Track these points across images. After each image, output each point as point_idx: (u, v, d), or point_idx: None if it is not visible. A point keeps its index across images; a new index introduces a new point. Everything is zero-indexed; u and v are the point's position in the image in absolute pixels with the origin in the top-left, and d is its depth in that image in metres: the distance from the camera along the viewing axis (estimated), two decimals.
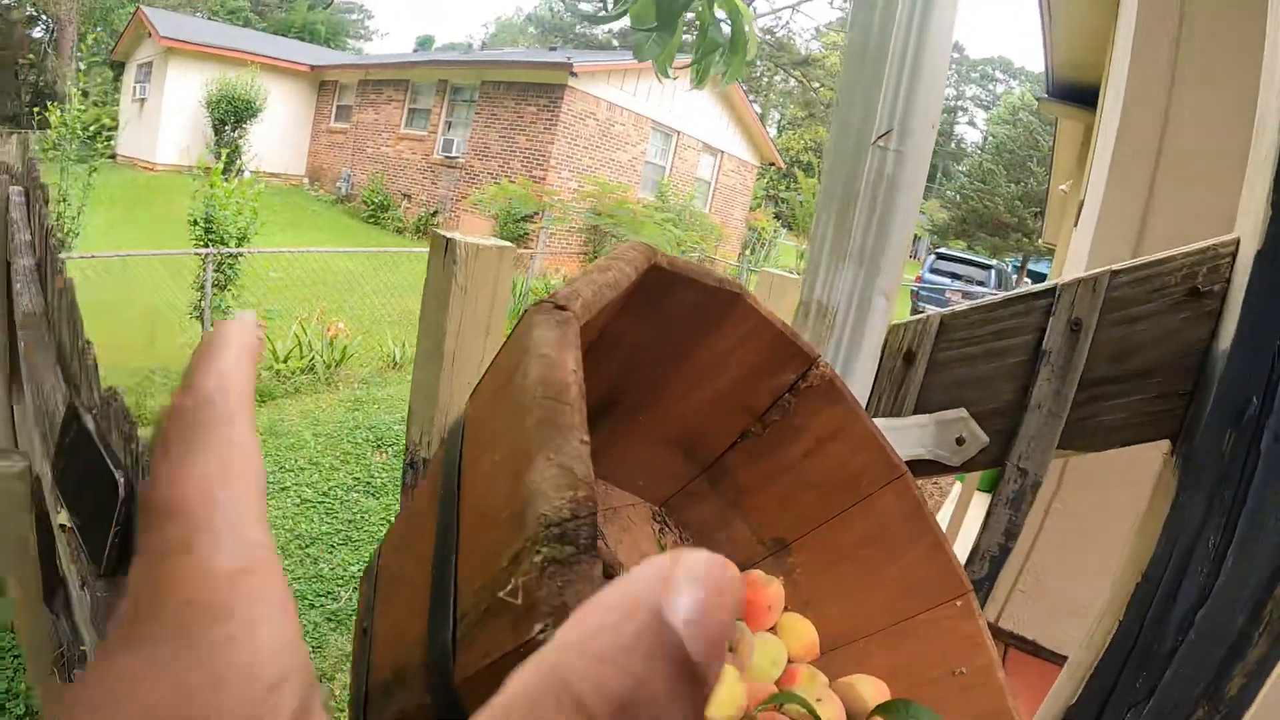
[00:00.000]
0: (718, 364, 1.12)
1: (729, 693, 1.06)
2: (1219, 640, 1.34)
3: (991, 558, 1.58)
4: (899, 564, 1.25)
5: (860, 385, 1.55)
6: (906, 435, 1.51)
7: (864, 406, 1.52)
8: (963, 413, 1.54)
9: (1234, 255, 1.43)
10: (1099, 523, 3.33)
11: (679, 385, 1.14)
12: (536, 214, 20.02)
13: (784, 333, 1.12)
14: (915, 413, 1.55)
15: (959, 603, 1.23)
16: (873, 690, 1.17)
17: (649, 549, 1.22)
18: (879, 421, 1.44)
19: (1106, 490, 3.32)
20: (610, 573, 1.12)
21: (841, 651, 1.29)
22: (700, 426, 1.21)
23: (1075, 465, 3.41)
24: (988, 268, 31.46)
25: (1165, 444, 1.51)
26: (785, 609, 1.29)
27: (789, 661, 1.24)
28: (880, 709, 1.11)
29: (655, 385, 1.12)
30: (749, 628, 1.21)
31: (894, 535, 1.25)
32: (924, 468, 1.58)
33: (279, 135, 27.02)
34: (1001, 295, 1.59)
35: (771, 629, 1.26)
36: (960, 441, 1.54)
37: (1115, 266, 1.51)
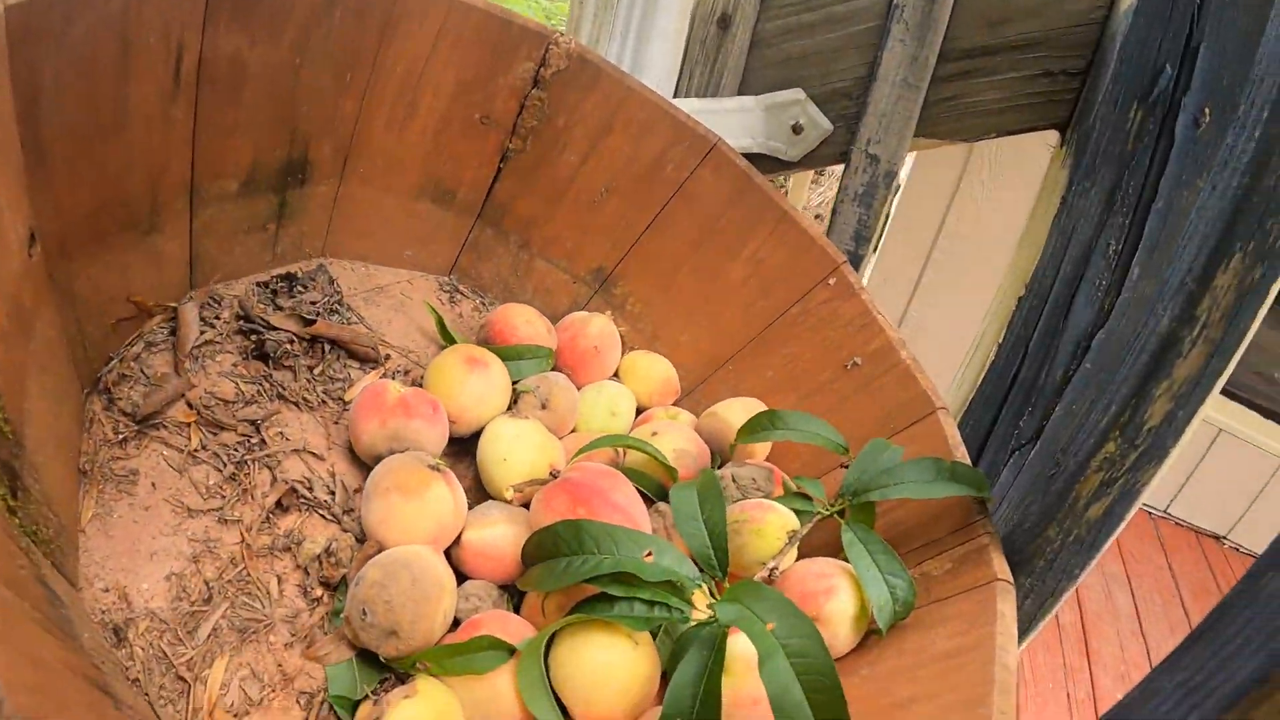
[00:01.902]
0: (418, 75, 0.88)
1: (528, 455, 0.85)
2: (1130, 362, 1.05)
3: None
4: (744, 256, 1.03)
5: (665, 61, 1.25)
6: (727, 121, 1.23)
7: (673, 89, 1.26)
8: (799, 94, 1.26)
9: None
10: (990, 270, 3.00)
11: (383, 115, 0.89)
12: None
13: (491, 13, 0.87)
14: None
15: (832, 280, 1.00)
16: (744, 415, 0.95)
17: (429, 325, 0.99)
18: (689, 103, 1.19)
19: (1001, 229, 2.99)
20: (373, 356, 0.90)
21: (711, 382, 1.07)
22: (444, 161, 0.96)
23: (960, 203, 3.08)
24: None
25: (1054, 137, 1.23)
26: (630, 349, 1.07)
27: (644, 408, 1.03)
28: (742, 430, 0.89)
29: (347, 124, 0.88)
30: (575, 378, 0.99)
31: (728, 223, 1.02)
32: (754, 164, 1.29)
33: None
34: None
35: (616, 375, 1.05)
36: (797, 129, 1.27)
37: None
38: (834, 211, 1.28)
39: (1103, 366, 1.03)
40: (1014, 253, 1.24)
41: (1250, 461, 3.68)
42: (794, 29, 1.28)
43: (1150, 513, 3.89)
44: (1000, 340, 1.19)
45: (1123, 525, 1.01)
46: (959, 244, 3.12)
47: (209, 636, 0.68)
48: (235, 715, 0.65)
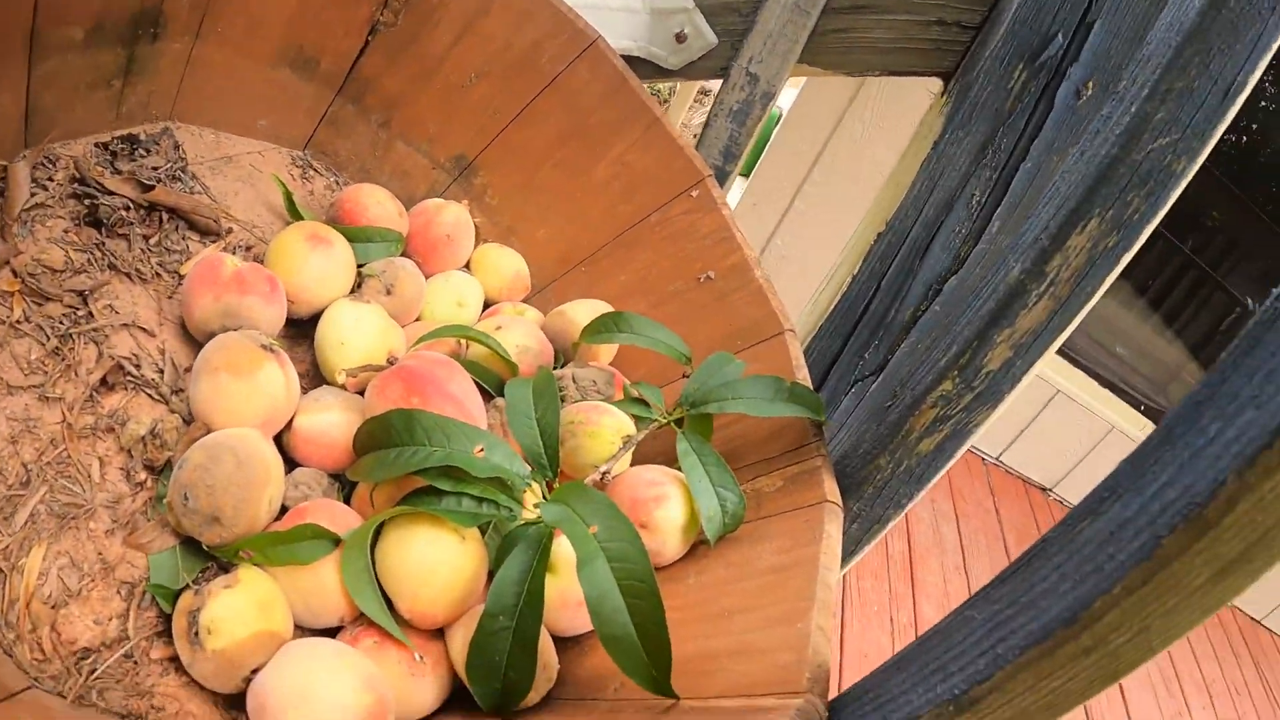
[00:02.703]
0: None
1: (367, 340, 0.82)
2: (977, 307, 1.07)
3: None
4: (610, 158, 1.01)
5: None
6: (611, 20, 1.19)
7: None
8: (688, 3, 1.22)
9: None
10: (860, 207, 2.99)
11: None
12: None
13: None
14: None
15: (695, 193, 0.99)
16: (591, 316, 0.94)
17: (277, 200, 0.95)
18: None
19: (876, 168, 2.99)
20: (214, 228, 0.86)
21: (564, 282, 1.06)
22: (309, 27, 0.91)
23: (839, 138, 3.08)
24: None
25: (936, 85, 1.23)
26: (484, 241, 1.05)
27: (492, 302, 1.01)
28: (587, 330, 0.88)
29: None
30: (425, 266, 0.96)
31: (598, 123, 1.00)
32: (632, 68, 1.26)
33: None
34: None
35: (467, 267, 1.02)
36: (681, 38, 1.23)
37: None
38: (706, 125, 1.26)
39: (950, 310, 1.05)
40: (879, 189, 1.25)
41: (1082, 423, 3.90)
42: None
43: (984, 459, 4.07)
44: (855, 273, 1.21)
45: (951, 462, 1.03)
46: (833, 177, 3.12)
47: (26, 522, 0.64)
48: (53, 606, 0.62)
